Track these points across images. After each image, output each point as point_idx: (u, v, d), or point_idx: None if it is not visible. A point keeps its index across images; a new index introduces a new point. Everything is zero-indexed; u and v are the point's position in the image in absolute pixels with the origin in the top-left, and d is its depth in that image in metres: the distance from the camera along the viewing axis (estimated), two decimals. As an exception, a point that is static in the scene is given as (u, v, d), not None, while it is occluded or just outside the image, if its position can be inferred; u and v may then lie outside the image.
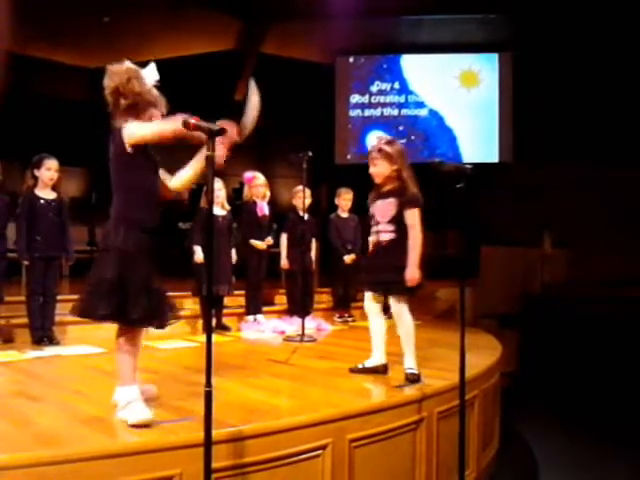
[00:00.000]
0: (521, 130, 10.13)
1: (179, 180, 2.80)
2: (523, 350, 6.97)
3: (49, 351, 4.19)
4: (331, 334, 5.52)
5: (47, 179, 4.49)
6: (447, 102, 10.62)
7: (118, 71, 2.79)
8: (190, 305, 5.70)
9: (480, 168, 2.98)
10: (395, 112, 10.72)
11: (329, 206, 7.16)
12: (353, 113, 10.79)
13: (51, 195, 4.56)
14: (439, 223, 9.28)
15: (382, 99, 10.75)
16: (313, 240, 6.12)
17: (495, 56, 10.50)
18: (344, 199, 6.42)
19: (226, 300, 5.61)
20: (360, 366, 3.56)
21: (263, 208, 5.76)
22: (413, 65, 10.67)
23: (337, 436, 2.63)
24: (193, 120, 2.16)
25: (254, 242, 5.67)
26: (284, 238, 6.00)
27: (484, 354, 4.17)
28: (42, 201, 4.49)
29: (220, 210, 5.40)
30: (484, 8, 9.14)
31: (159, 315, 2.55)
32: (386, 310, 6.65)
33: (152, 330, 2.70)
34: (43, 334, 4.44)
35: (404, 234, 3.42)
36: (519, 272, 8.28)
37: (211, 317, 2.68)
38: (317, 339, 5.06)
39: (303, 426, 2.54)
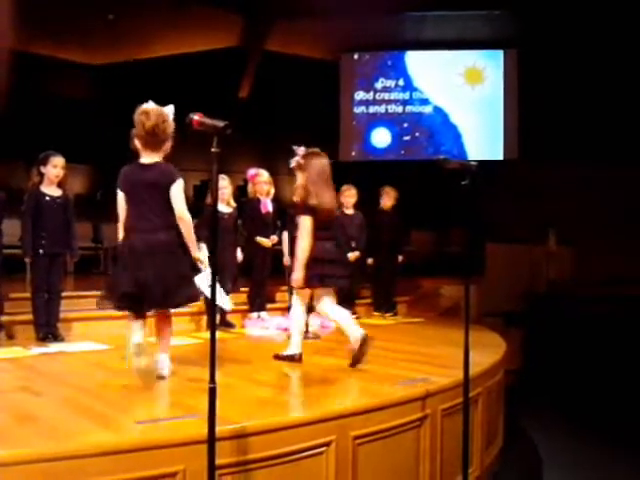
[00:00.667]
0: (526, 127, 10.10)
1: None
2: (527, 348, 6.96)
3: (53, 348, 4.20)
4: (334, 331, 5.51)
5: (53, 176, 4.50)
6: (452, 99, 10.59)
7: (156, 112, 3.26)
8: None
9: (485, 165, 2.97)
10: (400, 109, 10.70)
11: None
12: (357, 110, 10.78)
13: (57, 192, 4.56)
14: (443, 220, 9.32)
15: (386, 96, 10.73)
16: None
17: (500, 53, 10.46)
18: (347, 196, 6.40)
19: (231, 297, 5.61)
20: (282, 354, 3.86)
21: (267, 205, 5.75)
22: (418, 62, 10.65)
23: (341, 433, 2.63)
24: (197, 117, 2.16)
25: (259, 239, 5.66)
26: (286, 236, 5.99)
27: (488, 352, 4.16)
28: (47, 198, 4.49)
29: (226, 207, 5.40)
30: (489, 4, 9.11)
31: None
32: (391, 308, 6.68)
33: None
34: (48, 331, 4.45)
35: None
36: (524, 270, 8.27)
37: (215, 314, 2.69)
38: (321, 336, 5.06)
39: (306, 423, 2.54)
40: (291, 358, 3.79)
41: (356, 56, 10.73)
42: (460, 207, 2.85)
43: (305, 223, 3.72)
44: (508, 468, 3.99)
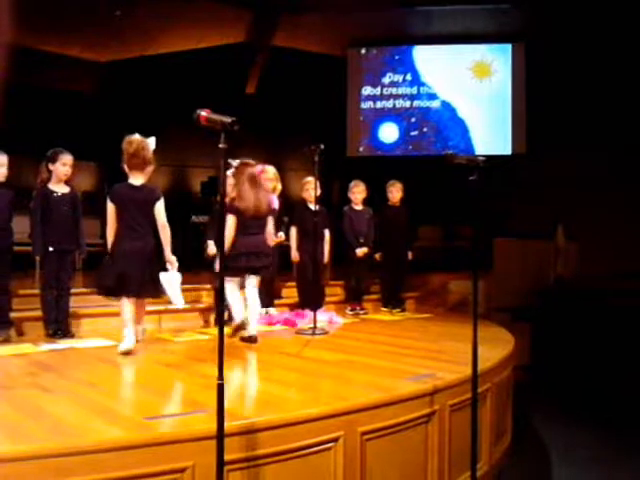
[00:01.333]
0: (534, 122, 10.04)
1: None
2: (536, 343, 6.94)
3: (63, 344, 4.22)
4: (343, 327, 5.53)
5: (62, 174, 4.52)
6: (459, 94, 10.54)
7: (137, 141, 4.10)
8: (204, 298, 5.74)
9: (493, 160, 2.96)
10: (407, 104, 10.67)
11: (341, 199, 7.15)
12: (365, 105, 10.74)
13: (65, 189, 4.58)
14: (451, 216, 9.29)
15: (394, 91, 10.70)
16: (326, 232, 6.12)
17: (508, 47, 10.40)
18: (356, 192, 6.41)
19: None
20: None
21: (273, 202, 5.74)
22: (425, 56, 10.60)
23: (349, 429, 2.63)
24: (204, 113, 2.15)
25: None
26: (293, 231, 5.99)
27: (497, 347, 4.15)
28: (56, 195, 4.51)
29: None
30: (497, -2, 9.07)
31: None
32: (399, 303, 6.68)
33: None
34: (57, 327, 4.47)
35: None
36: (532, 265, 8.23)
37: (223, 310, 2.69)
38: (329, 332, 5.06)
39: (315, 419, 2.54)
40: (237, 329, 4.48)
41: (363, 51, 10.69)
42: (468, 202, 2.84)
43: (228, 221, 4.39)
44: (517, 464, 3.98)
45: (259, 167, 5.82)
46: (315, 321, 4.98)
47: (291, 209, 6.10)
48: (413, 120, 10.63)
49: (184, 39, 9.58)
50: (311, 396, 2.86)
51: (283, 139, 10.55)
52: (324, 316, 5.58)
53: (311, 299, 5.46)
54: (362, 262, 6.31)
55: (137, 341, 4.08)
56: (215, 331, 2.21)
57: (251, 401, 2.70)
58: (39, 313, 4.55)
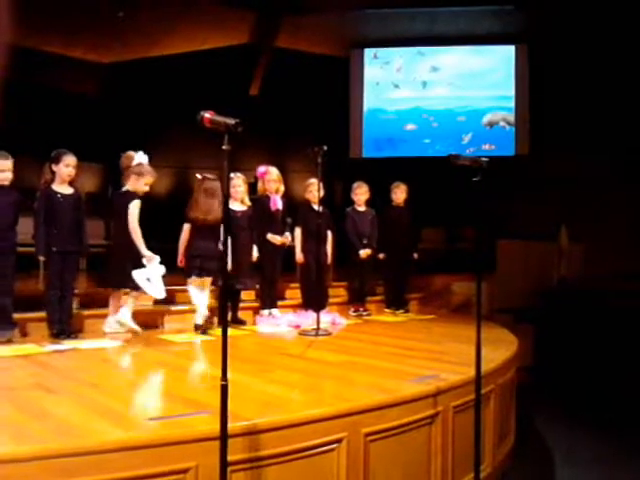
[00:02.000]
0: (537, 123, 10.04)
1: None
2: (539, 344, 6.93)
3: (66, 344, 4.22)
4: (346, 328, 5.53)
5: (65, 175, 4.52)
6: (462, 95, 10.54)
7: (127, 155, 4.86)
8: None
9: (496, 161, 2.96)
10: (410, 105, 10.67)
11: (344, 200, 7.15)
12: (368, 106, 10.74)
13: (68, 190, 4.58)
14: (455, 217, 9.28)
15: (397, 92, 10.70)
16: (328, 233, 6.12)
17: (512, 48, 10.40)
18: (359, 193, 6.41)
19: (242, 294, 5.63)
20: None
21: (276, 202, 5.75)
22: (428, 58, 10.61)
23: (352, 430, 2.63)
24: (208, 115, 2.16)
25: (271, 237, 5.66)
26: (298, 232, 5.99)
27: (500, 348, 4.14)
28: (59, 196, 4.52)
29: (239, 205, 5.41)
30: (500, 0, 9.06)
31: None
32: (402, 305, 6.69)
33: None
34: (61, 328, 4.48)
35: None
36: (535, 266, 8.22)
37: (227, 311, 2.70)
38: (332, 333, 5.06)
39: (318, 420, 2.54)
40: (196, 327, 4.96)
41: (366, 52, 10.70)
42: (471, 203, 2.84)
43: (184, 228, 5.05)
44: (520, 465, 3.98)
45: (263, 168, 5.83)
46: (318, 322, 4.98)
47: (295, 210, 6.10)
48: (416, 121, 10.63)
49: (187, 41, 9.59)
50: (314, 397, 2.86)
51: (286, 140, 10.55)
52: (327, 317, 5.58)
53: (314, 300, 5.46)
54: (365, 263, 6.31)
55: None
56: (218, 332, 2.21)
57: (254, 402, 2.70)
58: (43, 314, 4.55)
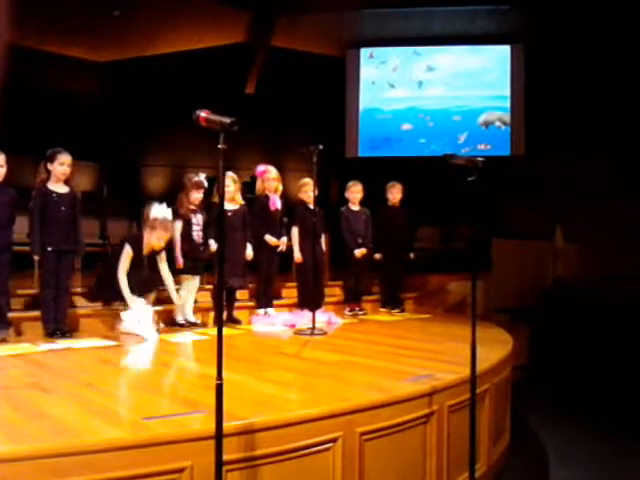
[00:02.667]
0: (533, 123, 10.06)
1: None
2: (534, 344, 6.95)
3: (61, 344, 4.21)
4: (341, 327, 5.53)
5: (60, 174, 4.51)
6: (458, 95, 10.55)
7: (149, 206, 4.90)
8: (202, 298, 5.73)
9: (491, 161, 2.96)
10: (406, 104, 10.68)
11: (339, 200, 7.16)
12: (363, 106, 10.75)
13: (64, 189, 4.57)
14: (450, 217, 9.30)
15: (393, 91, 10.71)
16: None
17: (507, 48, 10.42)
18: (353, 192, 6.41)
19: (237, 293, 5.63)
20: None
21: (275, 202, 5.74)
22: (424, 57, 10.62)
23: (347, 429, 2.63)
24: (203, 113, 2.15)
25: (269, 239, 5.65)
26: (295, 231, 5.98)
27: (495, 348, 4.15)
28: (55, 195, 4.50)
29: (231, 205, 5.40)
30: (496, 0, 9.08)
31: None
32: (398, 304, 6.69)
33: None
34: (56, 327, 4.47)
35: None
36: (531, 266, 8.25)
37: (222, 310, 2.70)
38: (328, 332, 5.06)
39: (313, 419, 2.54)
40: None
41: (362, 52, 10.71)
42: (467, 203, 2.84)
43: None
44: (515, 464, 3.99)
45: (262, 167, 5.82)
46: (314, 321, 4.98)
47: (292, 210, 6.09)
48: (412, 121, 10.64)
49: (183, 40, 9.58)
50: (310, 396, 2.87)
51: (282, 139, 10.55)
52: (323, 316, 5.58)
53: (311, 300, 5.46)
54: (361, 263, 6.31)
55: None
56: (213, 331, 2.21)
57: (250, 401, 2.70)
58: (38, 313, 4.54)
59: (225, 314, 5.30)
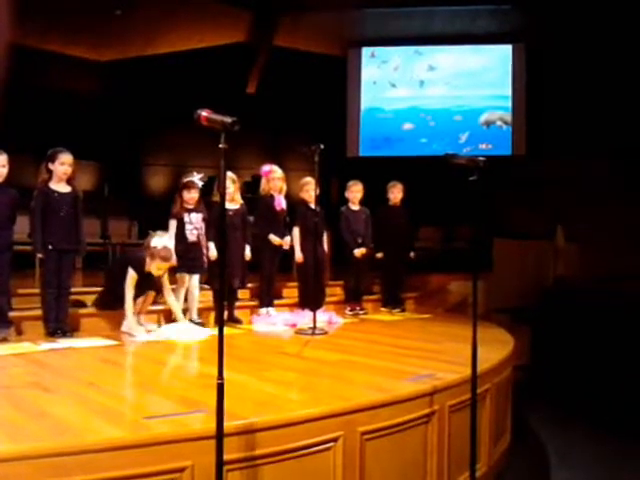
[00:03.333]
0: (534, 123, 10.05)
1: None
2: (535, 344, 6.94)
3: (62, 343, 4.22)
4: (342, 327, 5.53)
5: (61, 173, 4.51)
6: (460, 94, 10.55)
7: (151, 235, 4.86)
8: (202, 297, 5.73)
9: (492, 161, 2.96)
10: (407, 104, 10.67)
11: (340, 199, 7.16)
12: (365, 105, 10.74)
13: (66, 189, 4.57)
14: (451, 216, 9.29)
15: (394, 91, 10.70)
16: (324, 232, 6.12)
17: (509, 47, 10.41)
18: (353, 191, 6.41)
19: (238, 293, 5.63)
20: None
21: (280, 202, 5.73)
22: (426, 57, 10.61)
23: (348, 429, 2.63)
24: (205, 113, 2.15)
25: (273, 238, 5.65)
26: (296, 231, 5.97)
27: (496, 348, 4.15)
28: (56, 195, 4.50)
29: (230, 204, 5.39)
30: (497, -1, 9.09)
31: None
32: (399, 304, 6.69)
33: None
34: (57, 326, 4.47)
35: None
36: (532, 266, 8.24)
37: (223, 310, 2.70)
38: (328, 332, 5.06)
39: (314, 419, 2.54)
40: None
41: (363, 51, 10.70)
42: (468, 203, 2.84)
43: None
44: (516, 465, 3.99)
45: (267, 167, 5.81)
46: (315, 321, 4.98)
47: (293, 209, 6.09)
48: (413, 120, 10.63)
49: (185, 39, 9.58)
50: (311, 396, 2.86)
51: (283, 139, 10.55)
52: (323, 316, 5.58)
53: (312, 299, 5.45)
54: (361, 262, 6.30)
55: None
56: (214, 331, 2.21)
57: (250, 401, 2.70)
58: (39, 312, 4.54)
59: (226, 314, 5.30)
